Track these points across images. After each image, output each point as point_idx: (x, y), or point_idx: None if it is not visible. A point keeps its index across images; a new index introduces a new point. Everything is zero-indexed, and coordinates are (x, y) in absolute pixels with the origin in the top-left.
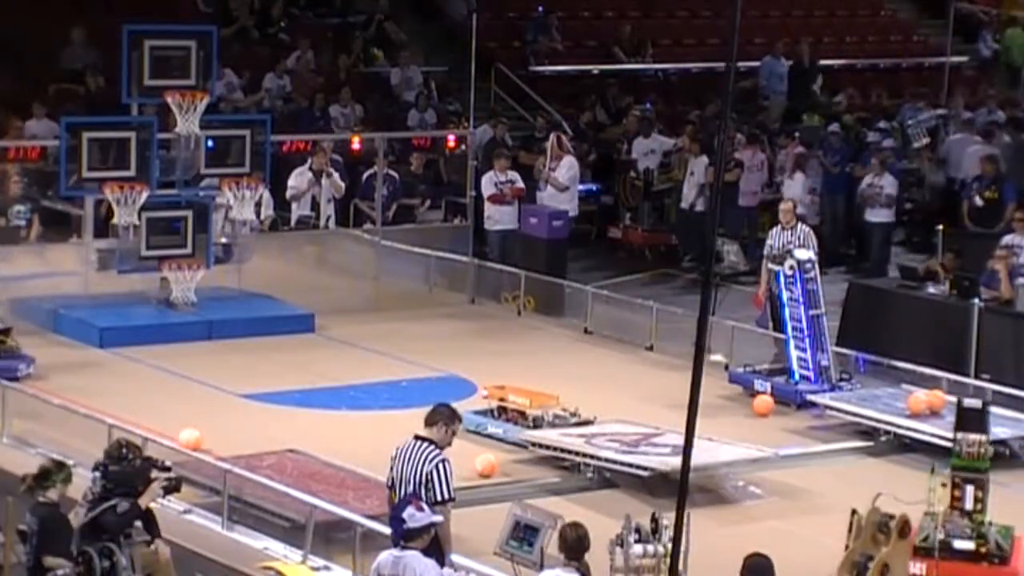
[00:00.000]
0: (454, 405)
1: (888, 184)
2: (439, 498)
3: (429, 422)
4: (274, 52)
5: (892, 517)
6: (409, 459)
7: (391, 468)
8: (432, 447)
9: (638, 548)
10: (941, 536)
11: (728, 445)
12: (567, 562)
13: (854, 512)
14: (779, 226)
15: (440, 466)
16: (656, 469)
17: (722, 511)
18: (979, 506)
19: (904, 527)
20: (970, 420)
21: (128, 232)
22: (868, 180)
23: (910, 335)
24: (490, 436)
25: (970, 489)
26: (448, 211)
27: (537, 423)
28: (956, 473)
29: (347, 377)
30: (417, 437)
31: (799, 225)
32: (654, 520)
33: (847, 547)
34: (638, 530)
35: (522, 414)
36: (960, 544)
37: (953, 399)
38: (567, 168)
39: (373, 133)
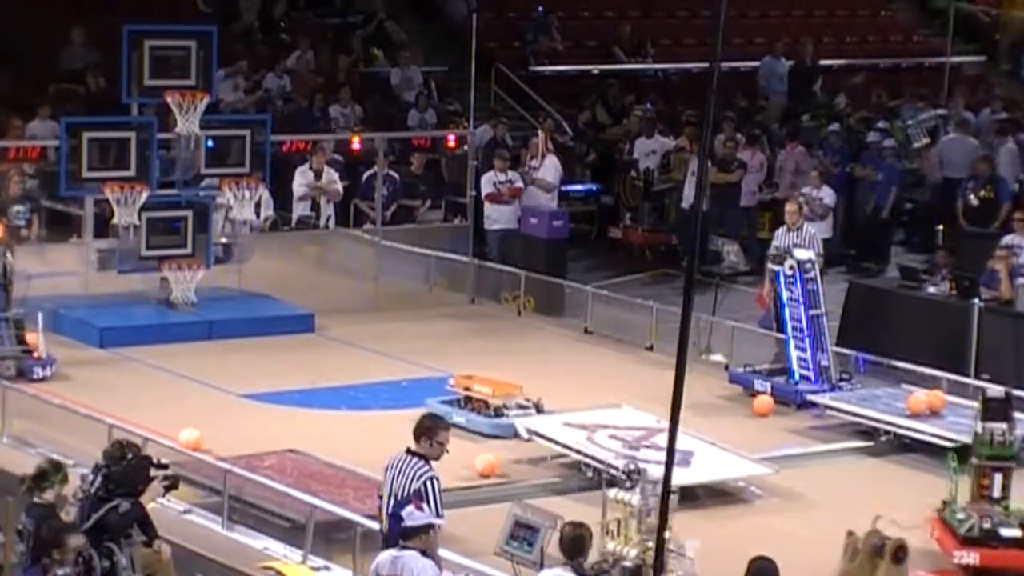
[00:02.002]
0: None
1: (827, 195)
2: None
3: (415, 436)
4: (274, 52)
5: (888, 540)
6: (399, 474)
7: (383, 480)
8: (422, 463)
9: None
10: (987, 525)
11: (729, 456)
12: (567, 561)
13: (850, 533)
14: (785, 227)
15: (428, 483)
16: (656, 479)
17: (722, 511)
18: (1005, 493)
19: (898, 551)
20: (994, 410)
21: (128, 232)
22: (807, 189)
23: (910, 335)
24: (455, 425)
25: (998, 477)
26: (448, 211)
27: (499, 412)
28: (985, 462)
29: (347, 377)
30: (409, 451)
31: (805, 226)
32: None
33: (841, 570)
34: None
35: (485, 403)
36: (1006, 532)
37: (953, 399)
38: (554, 168)
39: (373, 133)
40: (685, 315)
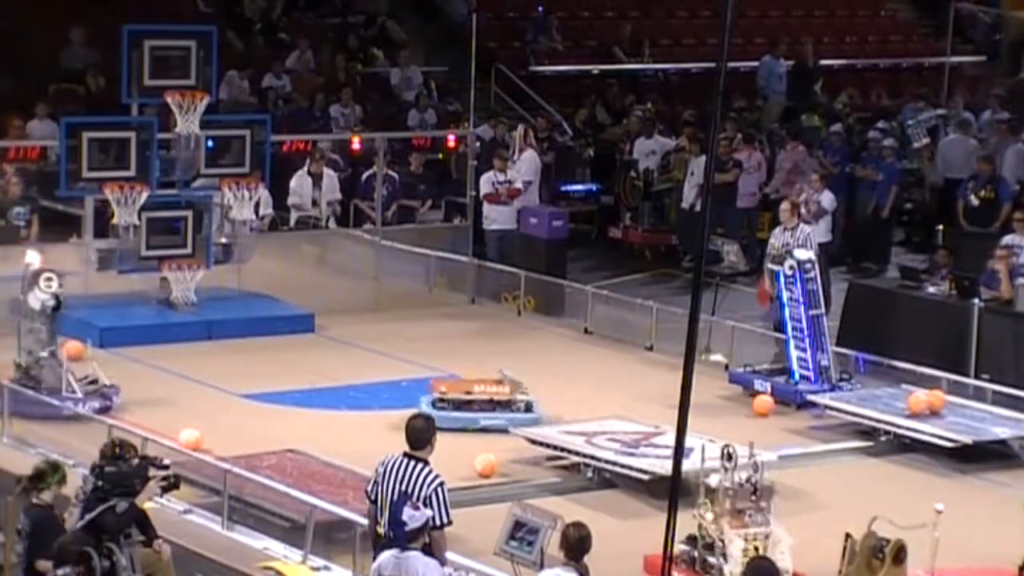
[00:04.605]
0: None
1: (826, 199)
2: (438, 522)
3: (418, 446)
4: (274, 52)
5: (888, 542)
6: (401, 479)
7: (374, 482)
8: (426, 468)
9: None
10: None
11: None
12: (567, 562)
13: (848, 536)
14: (780, 226)
15: (439, 490)
16: (656, 473)
17: None
18: None
19: (899, 552)
20: None
21: (128, 232)
22: (807, 193)
23: (910, 335)
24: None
25: None
26: (448, 211)
27: (488, 411)
28: None
29: (347, 377)
30: (407, 455)
31: (800, 225)
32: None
33: (840, 572)
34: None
35: (468, 403)
36: None
37: (953, 399)
38: (530, 162)
39: (373, 133)
40: (693, 317)
